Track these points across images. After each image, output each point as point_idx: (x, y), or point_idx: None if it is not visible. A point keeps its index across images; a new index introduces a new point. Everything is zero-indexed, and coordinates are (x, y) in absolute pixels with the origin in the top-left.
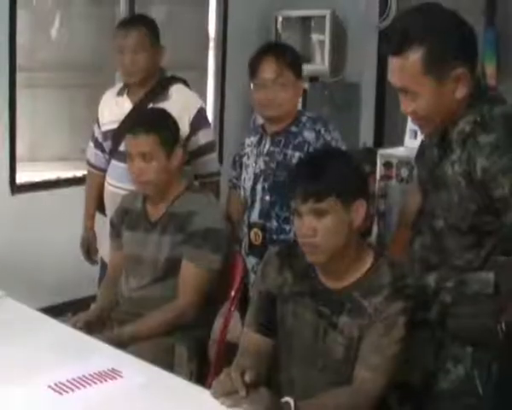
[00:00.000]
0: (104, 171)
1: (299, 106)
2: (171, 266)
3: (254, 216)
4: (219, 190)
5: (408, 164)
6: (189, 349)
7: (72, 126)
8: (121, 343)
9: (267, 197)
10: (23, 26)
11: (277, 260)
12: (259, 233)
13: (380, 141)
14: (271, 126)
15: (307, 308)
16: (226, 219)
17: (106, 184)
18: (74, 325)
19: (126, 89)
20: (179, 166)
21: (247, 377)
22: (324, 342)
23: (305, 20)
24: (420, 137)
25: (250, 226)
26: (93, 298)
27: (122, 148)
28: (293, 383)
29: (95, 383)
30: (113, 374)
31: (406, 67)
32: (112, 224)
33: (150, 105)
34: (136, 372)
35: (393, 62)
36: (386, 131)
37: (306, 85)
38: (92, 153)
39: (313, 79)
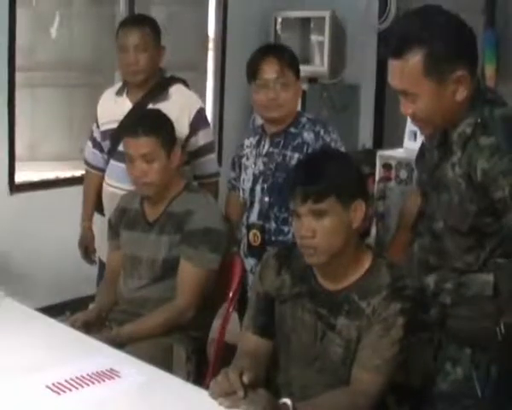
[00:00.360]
0: (102, 171)
1: (299, 107)
2: (169, 266)
3: (253, 217)
4: (218, 190)
5: (407, 165)
6: (188, 350)
7: (71, 126)
8: (119, 343)
9: (266, 198)
10: (23, 26)
11: (276, 261)
12: (258, 234)
13: (379, 142)
14: (271, 127)
15: (305, 310)
16: (225, 220)
17: (104, 184)
18: (72, 325)
19: (126, 88)
20: (178, 166)
21: (245, 378)
22: (322, 343)
23: (305, 21)
24: (419, 139)
25: (249, 227)
26: (91, 298)
27: (121, 148)
28: (292, 384)
29: (93, 383)
30: (111, 374)
31: (406, 69)
32: (110, 224)
33: (150, 105)
34: (135, 373)
35: (393, 65)
36: (386, 133)
37: (305, 87)
38: (90, 153)
39: (312, 80)
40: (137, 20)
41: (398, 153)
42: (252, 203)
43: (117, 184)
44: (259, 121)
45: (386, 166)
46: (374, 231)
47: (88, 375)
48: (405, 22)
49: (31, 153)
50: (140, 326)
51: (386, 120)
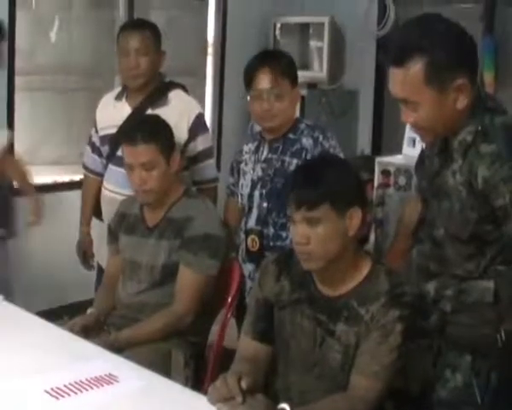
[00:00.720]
0: (101, 176)
1: (297, 113)
2: (168, 271)
3: (251, 222)
4: (217, 196)
5: (406, 172)
6: (186, 355)
7: (70, 130)
8: (118, 348)
9: (264, 204)
10: (22, 30)
11: (275, 267)
12: (256, 240)
13: (378, 149)
14: (269, 135)
15: (304, 316)
16: (224, 226)
17: (103, 188)
18: (71, 330)
19: (125, 93)
20: (177, 171)
21: (244, 384)
22: (321, 349)
23: (304, 27)
24: (418, 145)
25: (247, 233)
26: (90, 302)
27: (120, 153)
28: (290, 389)
29: (91, 387)
30: (109, 379)
31: (408, 78)
32: (109, 228)
33: (149, 110)
34: (133, 377)
35: (394, 74)
36: (384, 139)
37: (304, 92)
38: (89, 157)
39: (311, 85)
40: (138, 24)
41: (396, 159)
42: (250, 209)
43: (115, 188)
44: (258, 127)
45: (385, 173)
46: (372, 237)
47: (86, 380)
48: (406, 31)
49: (30, 157)
50: (138, 331)
51: (385, 126)
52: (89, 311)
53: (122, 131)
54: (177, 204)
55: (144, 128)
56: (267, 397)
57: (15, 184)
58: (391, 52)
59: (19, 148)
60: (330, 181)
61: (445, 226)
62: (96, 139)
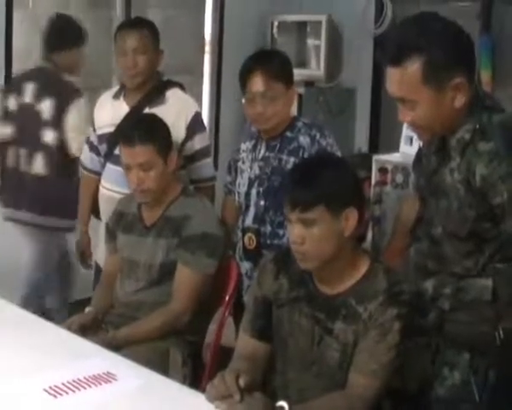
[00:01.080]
0: (99, 174)
1: (295, 111)
2: (166, 270)
3: (248, 221)
4: (215, 194)
5: (403, 170)
6: (184, 353)
7: None
8: (116, 346)
9: (261, 202)
10: (19, 29)
11: (273, 266)
12: (253, 238)
13: (375, 146)
14: (266, 134)
15: (303, 314)
16: (221, 225)
17: (101, 187)
18: (69, 328)
19: (123, 92)
20: (174, 170)
21: (242, 382)
22: (319, 347)
23: (301, 25)
24: (415, 144)
25: (244, 231)
26: (88, 301)
27: (117, 151)
28: (288, 387)
29: (89, 386)
30: (107, 377)
31: (405, 77)
32: (107, 227)
33: (146, 109)
34: (131, 376)
35: (392, 73)
36: (382, 137)
37: (302, 90)
38: (87, 156)
39: (309, 84)
40: (136, 23)
41: (394, 157)
42: (247, 207)
43: (113, 187)
44: None
45: (383, 171)
46: (370, 235)
47: (85, 378)
48: (403, 30)
49: None
50: (136, 330)
51: (383, 124)
52: (87, 309)
53: (120, 131)
54: (174, 203)
55: (141, 128)
56: (265, 395)
57: None
58: (388, 51)
59: None
60: (326, 182)
61: (443, 224)
62: (93, 138)
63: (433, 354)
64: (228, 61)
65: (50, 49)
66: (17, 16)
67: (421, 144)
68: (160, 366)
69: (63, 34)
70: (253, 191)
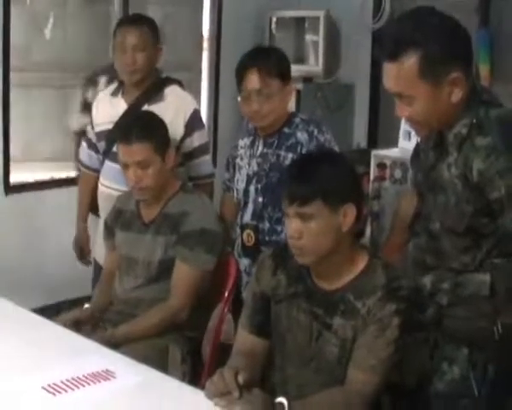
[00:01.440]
0: (98, 172)
1: (293, 107)
2: (164, 267)
3: (247, 217)
4: (213, 191)
5: (402, 165)
6: (183, 350)
7: (66, 127)
8: (114, 344)
9: (260, 199)
10: (17, 26)
11: (272, 262)
12: (252, 234)
13: (373, 142)
14: (263, 130)
15: (301, 309)
16: (220, 221)
17: (99, 184)
18: (64, 324)
19: (121, 89)
20: (172, 167)
21: (241, 378)
22: (318, 343)
23: (299, 21)
24: (414, 139)
25: (243, 227)
26: (87, 298)
27: (116, 149)
28: (287, 383)
29: (88, 383)
30: (106, 375)
31: (402, 72)
32: (106, 225)
33: (145, 106)
34: (130, 373)
35: (388, 68)
36: (380, 132)
37: (300, 86)
38: (85, 154)
39: (307, 79)
40: (136, 20)
41: (392, 152)
42: (245, 203)
43: (112, 184)
44: None
45: (381, 166)
46: (368, 230)
47: (83, 376)
48: (399, 25)
49: (26, 154)
50: (134, 327)
51: (381, 120)
52: (85, 306)
53: (118, 127)
54: (173, 200)
55: (139, 126)
56: (264, 391)
57: None
58: (385, 46)
59: (15, 145)
60: (324, 177)
61: (440, 220)
62: (92, 135)
63: (431, 350)
64: (226, 58)
65: None
66: (15, 12)
67: (419, 140)
68: (159, 363)
69: None
70: (252, 188)
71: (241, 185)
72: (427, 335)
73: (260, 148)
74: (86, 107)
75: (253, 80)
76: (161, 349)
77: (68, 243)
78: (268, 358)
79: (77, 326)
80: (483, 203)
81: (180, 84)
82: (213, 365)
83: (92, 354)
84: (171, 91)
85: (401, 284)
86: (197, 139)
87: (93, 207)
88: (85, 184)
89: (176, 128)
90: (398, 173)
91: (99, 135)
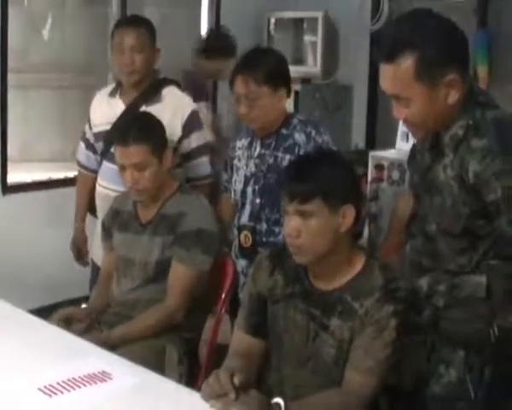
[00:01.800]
0: (95, 172)
1: (291, 108)
2: (161, 267)
3: (244, 218)
4: (214, 192)
5: (399, 166)
6: (180, 352)
7: (64, 127)
8: (111, 346)
9: (257, 200)
10: (15, 27)
11: (269, 263)
12: (249, 235)
13: (371, 143)
14: (259, 131)
15: (298, 310)
16: (217, 222)
17: (97, 185)
18: (57, 322)
19: (119, 90)
20: (170, 168)
21: (236, 380)
22: (315, 343)
23: (298, 22)
24: (411, 140)
25: (240, 229)
26: (84, 299)
27: (114, 149)
28: (284, 384)
29: (85, 385)
30: (103, 376)
31: (398, 74)
32: (103, 225)
33: (143, 107)
34: (127, 375)
35: (385, 69)
36: (378, 134)
37: (298, 87)
38: (83, 154)
39: (305, 80)
40: (133, 21)
41: (390, 153)
42: (243, 205)
43: (110, 185)
44: None
45: (379, 167)
46: (366, 231)
47: (80, 377)
48: (396, 27)
49: (23, 154)
50: (131, 328)
51: (379, 121)
52: (82, 307)
53: (116, 128)
54: (170, 200)
55: (136, 128)
56: (261, 392)
57: None
58: (382, 48)
59: (13, 145)
60: (325, 176)
61: (436, 221)
62: (89, 136)
63: (428, 352)
64: None
65: (206, 57)
66: (13, 13)
67: (416, 141)
68: (156, 364)
69: (222, 45)
70: (249, 189)
71: (239, 186)
72: (423, 337)
73: (258, 149)
74: None
75: (240, 85)
76: (158, 350)
77: (66, 244)
78: (264, 359)
79: (68, 323)
80: (479, 205)
81: (178, 85)
82: (210, 366)
83: (88, 356)
84: (169, 92)
85: (399, 286)
86: (195, 140)
87: (91, 208)
88: (83, 185)
89: (173, 129)
90: (395, 175)
91: (97, 136)
